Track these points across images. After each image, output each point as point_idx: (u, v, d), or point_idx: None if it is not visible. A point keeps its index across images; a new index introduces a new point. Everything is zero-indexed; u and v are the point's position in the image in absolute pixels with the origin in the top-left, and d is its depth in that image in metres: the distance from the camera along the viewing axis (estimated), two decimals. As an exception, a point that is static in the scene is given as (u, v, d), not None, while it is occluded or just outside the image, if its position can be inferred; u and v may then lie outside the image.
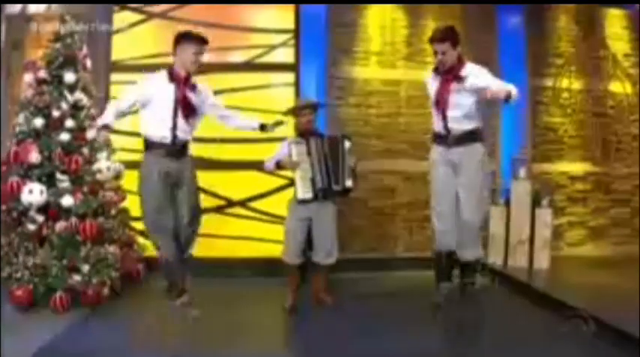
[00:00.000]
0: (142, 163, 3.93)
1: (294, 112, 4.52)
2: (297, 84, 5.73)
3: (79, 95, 4.50)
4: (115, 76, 5.44)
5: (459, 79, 3.80)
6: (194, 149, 5.37)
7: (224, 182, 5.61)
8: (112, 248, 4.53)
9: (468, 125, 3.96)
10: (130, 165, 4.81)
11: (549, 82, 6.26)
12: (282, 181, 5.43)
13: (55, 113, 4.34)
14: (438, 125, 4.10)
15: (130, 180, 4.80)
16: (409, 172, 5.98)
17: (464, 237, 4.07)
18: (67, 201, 4.21)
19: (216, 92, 5.52)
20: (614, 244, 6.46)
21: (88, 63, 4.76)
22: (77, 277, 4.15)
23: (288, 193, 4.90)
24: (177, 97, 3.67)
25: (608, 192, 6.45)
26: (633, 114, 6.47)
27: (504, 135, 6.07)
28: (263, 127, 4.24)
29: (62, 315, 3.94)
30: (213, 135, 5.48)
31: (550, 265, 5.44)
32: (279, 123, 4.30)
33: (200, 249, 5.38)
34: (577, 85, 6.32)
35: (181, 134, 3.82)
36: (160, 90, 3.71)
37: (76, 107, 4.50)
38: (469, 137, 3.98)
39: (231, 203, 5.67)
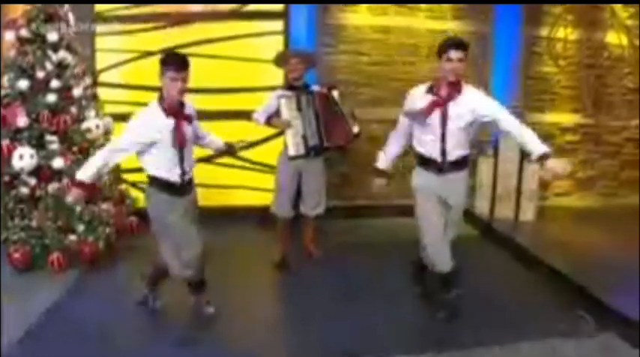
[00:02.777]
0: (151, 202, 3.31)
1: (281, 61, 4.40)
2: (286, 32, 5.60)
3: (63, 54, 4.42)
4: (100, 28, 5.30)
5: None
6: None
7: (214, 132, 5.59)
8: (105, 206, 4.64)
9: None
10: (119, 118, 4.81)
11: (545, 32, 6.12)
12: (271, 131, 5.40)
13: (40, 74, 4.28)
14: None
15: (120, 133, 4.82)
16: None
17: None
18: (57, 163, 4.25)
19: (204, 42, 5.51)
20: (601, 195, 6.57)
21: (71, 18, 4.63)
22: (73, 237, 4.29)
23: (278, 142, 4.87)
24: (178, 132, 3.12)
25: (598, 144, 6.47)
26: (629, 66, 6.37)
27: (496, 85, 6.00)
28: (229, 148, 3.80)
29: (60, 275, 4.09)
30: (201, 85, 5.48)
31: (536, 216, 5.58)
32: (244, 145, 3.92)
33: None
34: (573, 35, 6.18)
35: (189, 170, 3.31)
36: (159, 128, 3.09)
37: (60, 66, 4.43)
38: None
39: (221, 153, 5.70)
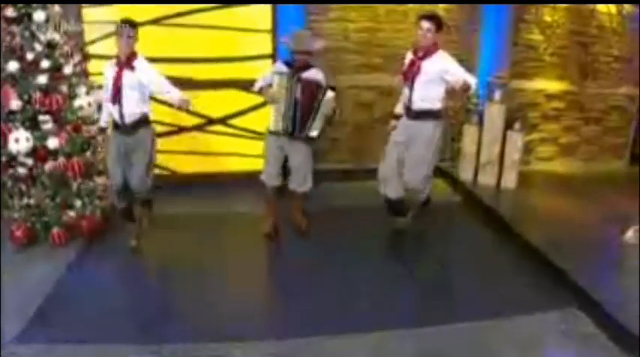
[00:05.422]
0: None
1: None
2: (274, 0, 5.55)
3: (51, 34, 4.41)
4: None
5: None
6: (174, 70, 5.49)
7: (204, 101, 5.68)
8: (100, 180, 4.80)
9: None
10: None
11: (534, -1, 6.05)
12: (259, 100, 5.46)
13: (29, 56, 4.29)
14: None
15: None
16: (386, 86, 6.03)
17: None
18: (53, 143, 4.34)
19: (190, 12, 5.48)
20: (583, 160, 6.73)
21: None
22: (71, 213, 4.49)
23: (266, 110, 4.89)
24: (116, 79, 4.05)
25: (583, 111, 6.55)
26: (617, 35, 6.35)
27: (484, 52, 6.03)
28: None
29: (61, 249, 4.33)
30: (191, 55, 5.52)
31: (517, 182, 5.74)
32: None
33: (183, 165, 5.72)
34: (562, 3, 6.11)
35: (129, 113, 4.11)
36: (110, 74, 4.11)
37: (49, 46, 4.43)
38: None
39: (211, 121, 5.82)
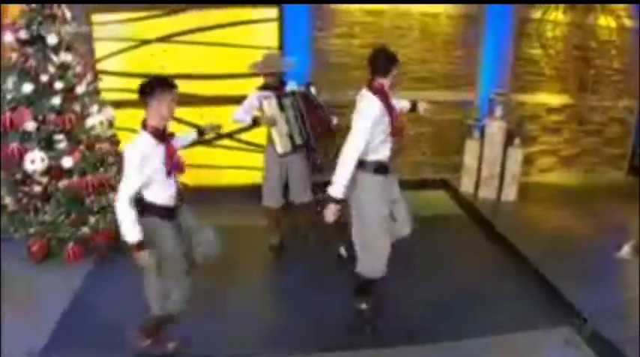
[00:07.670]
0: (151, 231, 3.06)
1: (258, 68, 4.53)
2: (280, 18, 5.67)
3: (64, 56, 4.54)
4: (96, 17, 5.40)
5: None
6: (183, 86, 5.60)
7: (212, 116, 5.80)
8: (113, 195, 4.93)
9: None
10: (115, 104, 5.02)
11: (537, 14, 6.15)
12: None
13: (44, 78, 4.42)
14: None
15: (120, 118, 5.05)
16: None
17: None
18: (67, 162, 4.48)
19: (199, 30, 5.62)
20: (583, 171, 6.84)
21: (68, 14, 4.69)
22: (85, 229, 4.63)
23: None
24: (169, 156, 3.05)
25: (583, 123, 6.66)
26: (616, 48, 6.44)
27: (486, 65, 6.14)
28: (201, 133, 3.72)
29: (77, 264, 4.47)
30: (200, 72, 5.65)
31: (517, 194, 5.86)
32: (215, 127, 3.78)
33: (192, 178, 5.82)
34: (566, 18, 6.21)
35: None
36: (155, 155, 2.98)
37: (62, 67, 4.55)
38: None
39: (220, 135, 5.93)
